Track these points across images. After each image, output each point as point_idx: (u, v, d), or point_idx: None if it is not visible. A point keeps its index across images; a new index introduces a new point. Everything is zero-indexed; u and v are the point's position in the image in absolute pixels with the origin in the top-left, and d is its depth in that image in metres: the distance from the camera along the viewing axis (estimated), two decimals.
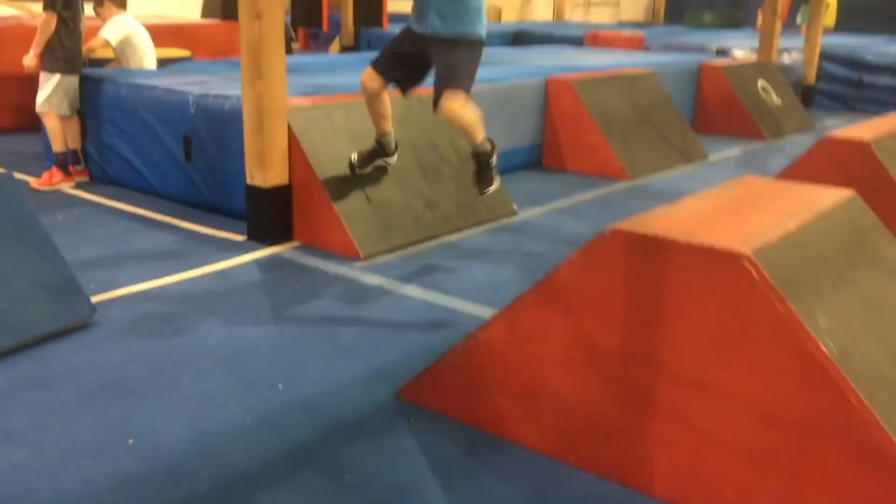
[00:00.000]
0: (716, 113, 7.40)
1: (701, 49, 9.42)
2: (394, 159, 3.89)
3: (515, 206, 4.56)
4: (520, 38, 11.39)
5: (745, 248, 1.79)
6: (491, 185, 3.60)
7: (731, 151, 6.68)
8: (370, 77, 3.57)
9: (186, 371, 2.61)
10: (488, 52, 7.77)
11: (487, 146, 3.51)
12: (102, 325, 2.92)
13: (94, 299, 3.02)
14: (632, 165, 5.60)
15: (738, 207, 2.21)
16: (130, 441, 2.19)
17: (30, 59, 4.66)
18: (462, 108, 3.36)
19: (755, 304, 1.78)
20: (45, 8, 4.61)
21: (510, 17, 16.75)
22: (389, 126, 3.76)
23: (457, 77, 3.38)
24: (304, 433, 2.26)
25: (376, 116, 3.70)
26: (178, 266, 3.56)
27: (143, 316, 3.04)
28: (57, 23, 4.62)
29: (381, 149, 3.82)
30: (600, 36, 10.19)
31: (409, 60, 3.54)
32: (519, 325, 2.18)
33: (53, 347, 2.73)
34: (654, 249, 1.91)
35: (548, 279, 2.12)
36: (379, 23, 10.53)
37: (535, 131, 5.74)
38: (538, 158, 5.83)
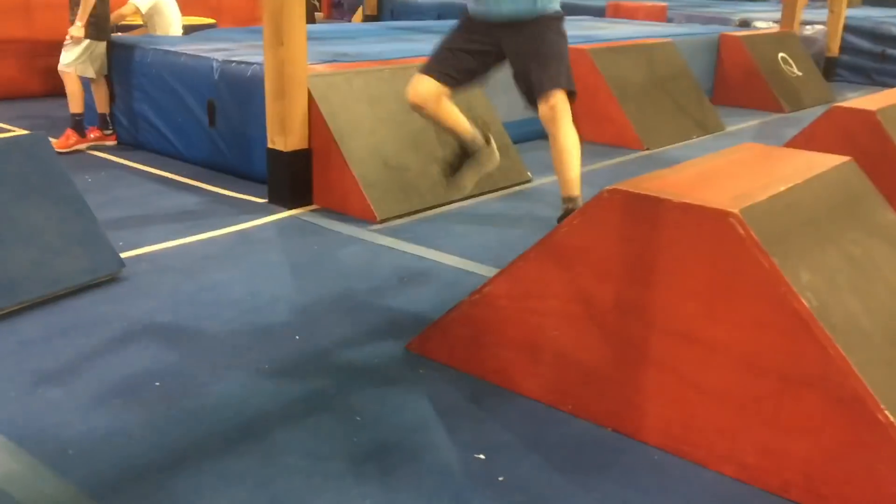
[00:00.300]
0: (735, 84, 7.40)
1: (724, 21, 9.38)
2: (492, 156, 3.16)
3: (530, 174, 4.66)
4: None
5: (733, 207, 1.89)
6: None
7: (749, 122, 6.71)
8: (423, 87, 2.99)
9: (209, 322, 2.76)
10: None
11: (578, 196, 2.90)
12: (130, 279, 3.08)
13: (123, 255, 3.17)
14: (648, 135, 5.66)
15: (734, 171, 2.31)
16: (157, 383, 2.34)
17: (77, 31, 4.77)
18: (567, 120, 2.82)
19: (741, 260, 1.88)
20: None
21: None
22: (467, 126, 3.11)
23: (556, 70, 2.83)
24: (319, 380, 2.41)
25: (447, 129, 3.11)
26: (202, 226, 3.71)
27: (168, 271, 3.19)
28: None
29: (467, 150, 3.15)
30: (622, 6, 10.15)
31: (473, 60, 3.00)
32: (521, 281, 2.30)
33: (85, 298, 2.89)
34: (648, 208, 2.01)
35: (548, 237, 2.24)
36: None
37: None
38: None
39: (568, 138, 2.90)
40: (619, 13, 10.00)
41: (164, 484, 1.91)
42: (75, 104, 4.92)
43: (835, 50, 9.20)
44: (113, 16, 5.06)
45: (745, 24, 9.07)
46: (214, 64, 4.48)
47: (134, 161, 4.78)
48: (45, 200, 3.04)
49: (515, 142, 4.83)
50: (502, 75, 5.40)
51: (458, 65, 3.00)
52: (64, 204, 3.11)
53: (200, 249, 3.45)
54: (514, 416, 2.24)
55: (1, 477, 1.90)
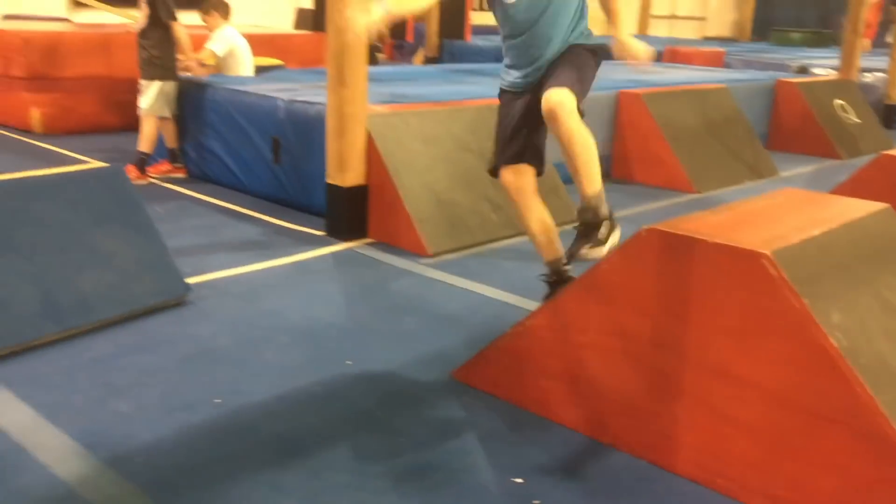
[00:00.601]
0: (791, 130, 7.41)
1: (782, 66, 9.39)
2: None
3: None
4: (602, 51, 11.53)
5: (766, 249, 1.97)
6: (597, 245, 2.67)
7: (804, 168, 6.70)
8: (512, 176, 2.93)
9: (267, 345, 2.92)
10: None
11: (604, 203, 2.68)
12: (195, 303, 3.27)
13: (189, 280, 3.37)
14: (699, 179, 5.72)
15: (770, 214, 2.38)
16: (217, 400, 2.50)
17: (195, 63, 5.19)
18: (571, 115, 2.60)
19: (773, 299, 1.96)
20: (171, 19, 5.06)
21: (595, 31, 16.87)
22: (558, 248, 2.97)
23: (571, 75, 2.69)
24: (366, 403, 2.54)
25: (534, 233, 3.01)
26: (263, 255, 3.90)
27: (230, 297, 3.38)
28: (161, 33, 5.08)
29: (556, 281, 3.01)
30: (679, 51, 10.25)
31: (528, 129, 2.90)
32: (562, 314, 2.41)
33: (153, 320, 3.09)
34: (685, 247, 2.11)
35: (588, 273, 2.34)
36: (461, 35, 10.85)
37: (605, 143, 5.91)
38: (606, 169, 5.99)
39: (573, 134, 2.61)
40: (676, 58, 10.09)
41: (221, 491, 2.05)
42: (145, 144, 5.21)
43: (894, 98, 9.12)
44: (191, 62, 5.35)
45: (803, 70, 9.07)
46: (280, 103, 4.73)
47: (202, 193, 5.04)
48: (120, 227, 3.27)
49: (568, 182, 4.94)
50: None
51: (522, 142, 2.93)
52: (137, 231, 3.33)
53: (261, 277, 3.64)
54: (553, 444, 2.33)
55: (74, 480, 2.07)
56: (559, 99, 2.61)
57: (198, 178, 5.37)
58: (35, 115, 6.56)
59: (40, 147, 6.14)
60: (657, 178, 5.76)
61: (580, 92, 2.69)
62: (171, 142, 5.39)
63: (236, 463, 2.18)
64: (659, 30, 16.92)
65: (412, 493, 2.08)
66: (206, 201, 4.89)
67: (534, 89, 2.85)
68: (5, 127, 6.75)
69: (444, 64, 9.63)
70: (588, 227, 2.68)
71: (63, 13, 10.78)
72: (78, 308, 2.94)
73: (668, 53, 10.31)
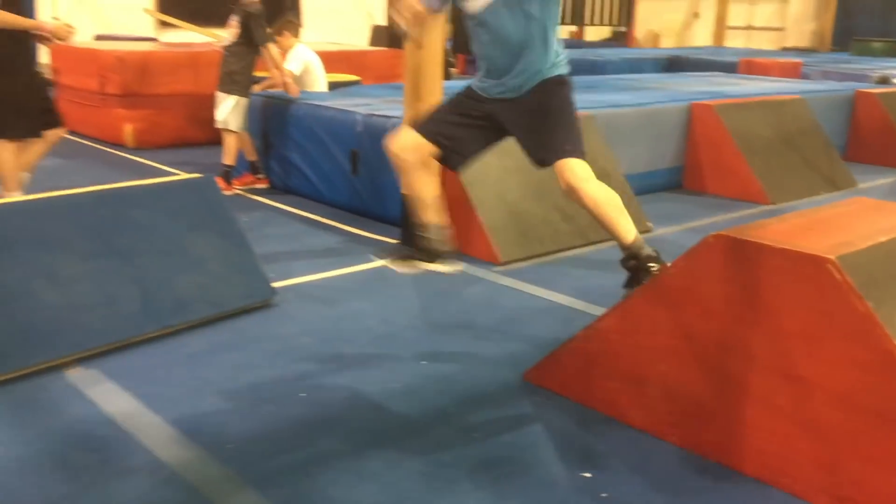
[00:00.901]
0: (871, 141, 7.27)
1: (861, 77, 9.19)
2: (442, 268, 2.82)
3: (650, 224, 4.81)
4: (674, 64, 11.48)
5: (830, 254, 2.03)
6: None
7: (883, 180, 6.57)
8: (408, 141, 2.75)
9: (347, 345, 3.09)
10: (638, 79, 7.99)
11: (643, 247, 2.61)
12: (280, 305, 3.46)
13: (274, 285, 3.57)
14: (774, 190, 5.68)
15: (838, 222, 2.43)
16: (303, 394, 2.67)
17: (290, 82, 5.48)
18: (588, 183, 2.57)
19: (837, 303, 2.01)
20: (265, 42, 5.32)
21: (668, 43, 16.77)
22: (435, 215, 2.82)
23: (569, 137, 2.62)
24: (441, 400, 2.67)
25: (417, 198, 2.82)
26: (342, 262, 4.08)
27: (312, 300, 3.56)
28: (246, 52, 5.34)
29: (424, 248, 2.85)
30: (755, 63, 10.13)
31: (472, 125, 2.76)
32: (630, 317, 2.50)
33: (242, 320, 3.29)
34: (750, 253, 2.17)
35: (657, 278, 2.42)
36: None
37: (677, 154, 5.94)
38: (679, 180, 6.02)
39: (597, 200, 2.60)
40: (752, 70, 9.98)
41: (307, 475, 2.21)
42: (228, 157, 5.47)
43: None
44: (288, 81, 5.58)
45: (884, 81, 8.86)
46: (359, 117, 4.93)
47: (284, 203, 5.28)
48: (211, 234, 3.49)
49: (639, 193, 5.01)
50: (628, 129, 5.58)
51: (454, 125, 2.76)
52: (226, 238, 3.54)
53: (340, 282, 3.82)
54: (621, 443, 2.41)
55: (175, 462, 2.26)
56: (572, 172, 2.58)
57: (280, 189, 5.61)
58: (128, 130, 6.95)
59: (132, 160, 6.51)
60: (731, 190, 5.75)
61: (582, 147, 2.64)
62: (250, 155, 5.64)
63: (321, 451, 2.34)
64: (735, 41, 16.70)
65: (484, 482, 2.19)
66: (288, 211, 5.12)
67: (500, 111, 2.71)
68: (101, 141, 7.16)
69: None
70: (636, 272, 2.61)
71: (150, 33, 11.35)
72: (175, 308, 3.16)
73: (743, 65, 10.20)
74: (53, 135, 4.44)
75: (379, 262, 3.94)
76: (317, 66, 6.25)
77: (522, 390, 2.74)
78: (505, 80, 2.66)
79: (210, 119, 5.71)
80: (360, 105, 5.21)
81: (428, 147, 2.74)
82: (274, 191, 5.61)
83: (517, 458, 2.33)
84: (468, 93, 2.80)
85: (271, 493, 2.13)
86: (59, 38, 4.20)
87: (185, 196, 3.54)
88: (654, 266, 2.56)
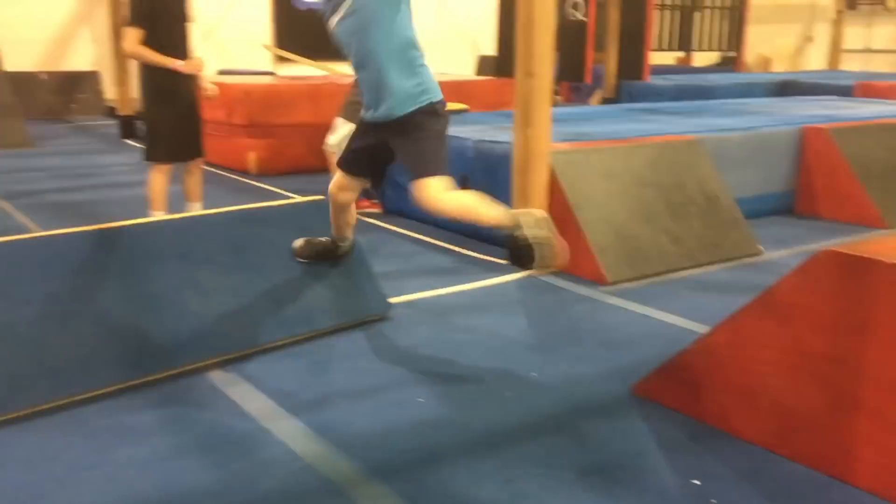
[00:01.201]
0: None
1: None
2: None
3: (761, 247, 4.78)
4: (786, 88, 11.25)
5: None
6: (527, 262, 2.93)
7: None
8: (338, 180, 3.29)
9: (460, 357, 3.25)
10: (748, 103, 7.91)
11: (519, 226, 2.87)
12: (396, 319, 3.66)
13: (389, 300, 3.77)
14: (891, 214, 5.53)
15: None
16: (421, 399, 2.84)
17: None
18: (439, 197, 2.92)
19: None
20: None
21: (780, 68, 16.38)
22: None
23: (425, 162, 2.96)
24: (552, 409, 2.78)
25: (341, 222, 3.42)
26: (453, 281, 4.26)
27: (425, 315, 3.74)
28: None
29: (333, 249, 3.52)
30: (873, 86, 9.83)
31: (371, 150, 3.19)
32: (741, 331, 2.55)
33: (361, 332, 3.50)
34: (861, 268, 2.21)
35: (767, 293, 2.48)
36: (640, 75, 10.97)
37: (789, 178, 5.87)
38: (790, 205, 5.94)
39: (455, 206, 2.96)
40: (870, 93, 9.68)
41: (428, 471, 2.37)
42: None
43: None
44: None
45: None
46: (469, 143, 5.13)
47: (396, 226, 5.52)
48: None
49: (749, 217, 4.99)
50: (737, 153, 5.57)
51: (359, 162, 3.24)
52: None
53: (452, 299, 3.99)
54: (730, 454, 2.47)
55: (308, 456, 2.46)
56: (426, 192, 2.93)
57: (393, 212, 5.86)
58: (252, 158, 7.40)
59: (256, 185, 6.93)
60: (845, 214, 5.63)
61: (438, 167, 2.94)
62: None
63: (439, 451, 2.49)
64: (852, 64, 16.16)
65: (596, 485, 2.29)
66: (400, 233, 5.36)
67: (381, 133, 3.07)
68: (227, 168, 7.64)
69: (621, 104, 9.81)
70: (515, 245, 2.91)
71: (268, 67, 12.00)
72: (301, 318, 3.40)
73: (859, 88, 9.91)
74: (196, 163, 4.85)
75: (489, 281, 4.12)
76: None
77: (631, 403, 2.82)
78: (373, 108, 3.02)
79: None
80: (470, 131, 5.41)
81: (353, 181, 3.27)
82: (387, 214, 5.87)
83: (627, 464, 2.42)
84: (361, 121, 3.19)
85: (396, 485, 2.29)
86: (191, 73, 4.58)
87: (311, 216, 3.80)
88: (529, 241, 2.87)
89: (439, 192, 2.91)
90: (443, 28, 13.94)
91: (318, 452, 2.48)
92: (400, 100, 2.93)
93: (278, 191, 6.64)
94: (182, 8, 4.55)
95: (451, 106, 7.52)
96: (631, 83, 10.89)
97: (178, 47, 4.49)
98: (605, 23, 10.51)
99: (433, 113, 2.98)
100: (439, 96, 3.02)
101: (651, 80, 11.13)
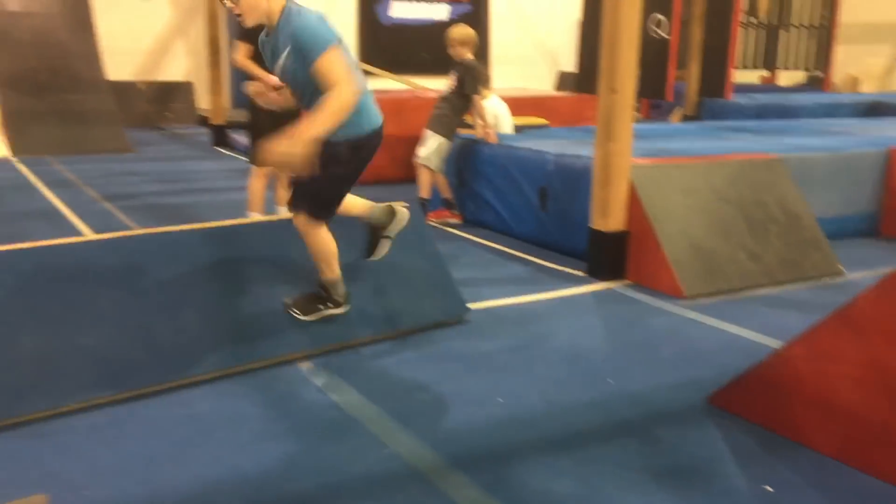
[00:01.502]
0: None
1: None
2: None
3: (842, 268, 4.75)
4: (875, 109, 10.98)
5: None
6: (304, 314, 3.33)
7: None
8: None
9: (537, 362, 3.36)
10: (833, 123, 7.80)
11: (336, 294, 3.34)
12: (473, 323, 3.80)
13: (468, 305, 3.91)
14: None
15: None
16: (500, 399, 2.97)
17: (492, 133, 5.92)
18: (309, 234, 3.19)
19: None
20: (474, 93, 5.78)
21: (869, 88, 15.96)
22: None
23: (309, 195, 3.15)
24: (626, 413, 2.87)
25: (357, 217, 3.55)
26: (530, 290, 4.38)
27: (503, 321, 3.87)
28: (458, 101, 5.81)
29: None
30: None
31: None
32: (817, 345, 2.60)
33: (441, 333, 3.65)
34: None
35: (845, 308, 2.52)
36: (722, 94, 10.88)
37: (874, 199, 5.78)
38: (874, 226, 5.85)
39: (312, 248, 3.25)
40: None
41: (507, 466, 2.49)
42: (424, 191, 5.94)
43: None
44: (489, 132, 6.00)
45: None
46: (549, 157, 5.25)
47: (476, 236, 5.67)
48: (416, 255, 3.90)
49: (832, 237, 4.96)
50: (820, 173, 5.53)
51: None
52: (428, 260, 3.94)
53: (529, 308, 4.11)
54: (804, 465, 2.51)
55: (395, 445, 2.62)
56: (296, 222, 3.19)
57: (473, 223, 6.02)
58: None
59: None
60: None
61: (319, 210, 3.16)
62: (444, 192, 6.08)
63: (518, 448, 2.62)
64: None
65: (669, 485, 2.38)
66: (479, 243, 5.50)
67: None
68: None
69: (701, 122, 9.75)
70: (315, 295, 3.34)
71: None
72: (386, 318, 3.57)
73: None
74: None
75: (566, 291, 4.23)
76: (504, 113, 6.66)
77: (706, 412, 2.89)
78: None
79: (408, 159, 6.22)
80: (550, 146, 5.53)
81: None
82: (466, 224, 6.03)
83: (700, 468, 2.49)
84: None
85: (476, 476, 2.43)
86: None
87: None
88: (325, 308, 3.34)
89: (307, 230, 3.19)
90: (524, 44, 14.11)
91: (403, 442, 2.63)
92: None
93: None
94: None
95: (531, 121, 7.70)
96: (713, 101, 10.80)
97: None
98: (688, 40, 10.48)
99: (340, 147, 3.09)
100: (362, 131, 3.15)
101: (734, 98, 11.02)
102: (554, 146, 5.51)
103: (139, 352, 2.97)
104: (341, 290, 3.37)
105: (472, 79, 5.76)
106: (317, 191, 3.15)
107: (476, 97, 5.81)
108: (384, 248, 3.54)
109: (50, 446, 2.56)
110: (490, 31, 13.76)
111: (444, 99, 5.91)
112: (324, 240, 3.23)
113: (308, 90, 3.05)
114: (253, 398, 2.94)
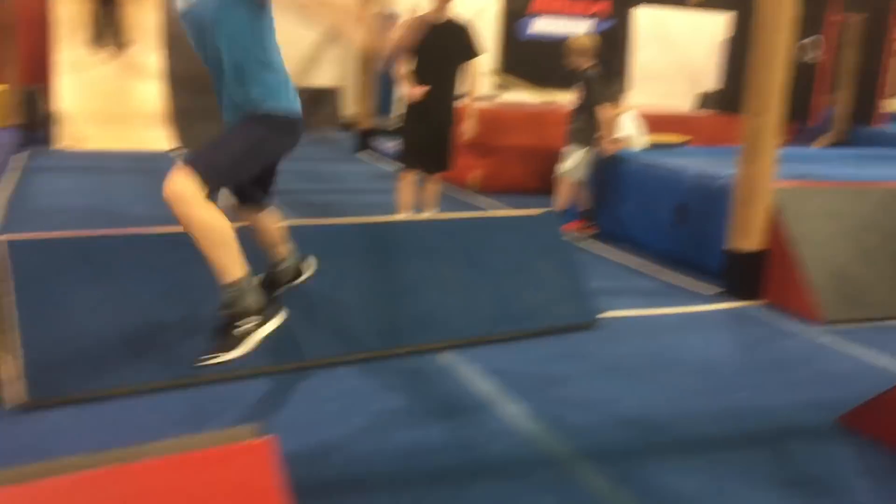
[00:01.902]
0: None
1: None
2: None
3: None
4: None
5: None
6: (229, 350, 2.44)
7: None
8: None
9: (666, 370, 3.46)
10: None
11: (247, 295, 2.43)
12: (603, 329, 3.93)
13: (598, 313, 4.05)
14: None
15: None
16: (629, 401, 3.10)
17: (612, 145, 6.05)
18: (182, 201, 2.30)
19: None
20: (597, 104, 5.90)
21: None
22: (282, 250, 2.89)
23: (204, 153, 2.44)
24: (758, 427, 2.95)
25: (264, 246, 2.88)
26: (662, 303, 4.46)
27: (632, 330, 3.98)
28: (589, 111, 5.95)
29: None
30: None
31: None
32: None
33: (572, 336, 3.80)
34: None
35: None
36: (870, 121, 10.47)
37: None
38: None
39: (197, 222, 2.32)
40: None
41: (636, 461, 2.64)
42: (562, 203, 6.08)
43: None
44: (609, 144, 6.11)
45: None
46: (688, 174, 5.30)
47: (610, 248, 5.77)
48: (552, 259, 4.07)
49: None
50: None
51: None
52: (563, 265, 4.11)
53: (660, 320, 4.20)
54: None
55: (528, 433, 2.81)
56: (172, 181, 2.31)
57: (607, 236, 6.11)
58: (476, 176, 7.94)
59: (477, 201, 7.44)
60: None
61: (210, 172, 2.35)
62: (583, 204, 6.21)
63: (646, 447, 2.75)
64: None
65: (796, 496, 2.45)
66: (613, 254, 5.61)
67: None
68: (449, 184, 8.23)
69: (847, 148, 9.43)
70: (224, 323, 2.44)
71: (489, 92, 12.62)
72: (521, 316, 3.77)
73: None
74: (437, 176, 5.45)
75: (699, 307, 4.29)
76: (638, 128, 6.70)
77: (836, 431, 2.91)
78: (224, 114, 2.57)
79: (545, 171, 6.39)
80: (689, 163, 5.57)
81: (242, 207, 2.84)
82: (601, 237, 6.13)
83: (828, 483, 2.54)
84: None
85: (606, 468, 2.58)
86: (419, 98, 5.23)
87: (535, 227, 4.18)
88: (246, 328, 2.42)
89: (186, 197, 2.30)
90: (665, 61, 13.99)
91: (537, 431, 2.81)
92: (236, 106, 2.51)
93: (495, 207, 7.09)
94: (445, 45, 5.17)
95: (670, 138, 7.71)
96: (862, 129, 10.41)
97: (433, 76, 5.12)
98: (839, 65, 10.15)
99: (262, 120, 2.50)
100: (290, 113, 2.57)
101: (884, 126, 10.57)
102: (694, 164, 5.55)
103: (300, 328, 3.28)
104: (253, 295, 2.46)
105: (592, 90, 5.86)
106: (222, 148, 2.47)
107: (598, 108, 5.89)
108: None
109: (220, 404, 2.90)
110: (632, 48, 13.74)
111: (577, 111, 6.03)
112: (210, 215, 2.34)
113: (227, 44, 2.43)
114: (399, 380, 3.20)
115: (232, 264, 2.39)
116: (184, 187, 2.30)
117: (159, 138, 9.74)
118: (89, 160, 8.56)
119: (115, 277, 3.12)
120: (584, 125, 6.02)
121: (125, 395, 2.89)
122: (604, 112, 5.99)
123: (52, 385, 2.84)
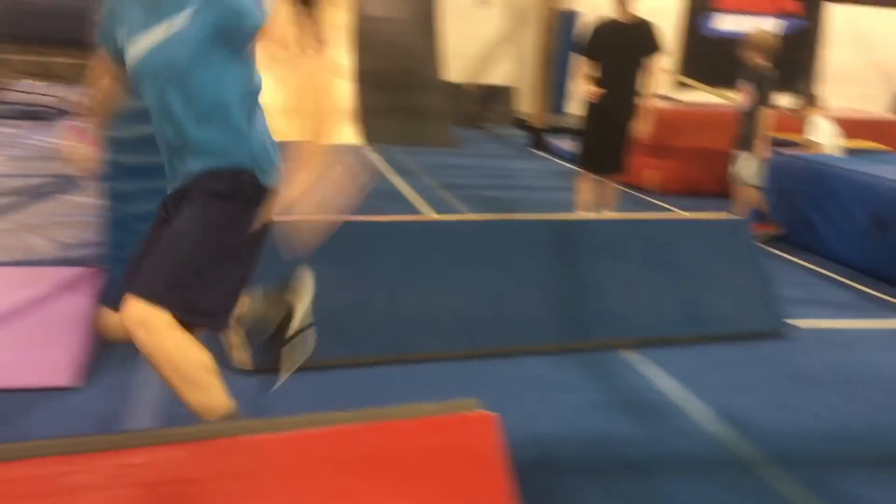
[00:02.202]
0: None
1: None
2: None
3: None
4: None
5: None
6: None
7: None
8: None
9: (857, 383, 3.37)
10: None
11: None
12: (792, 338, 3.84)
13: (786, 321, 3.96)
14: None
15: None
16: (817, 412, 3.05)
17: (763, 149, 5.82)
18: (148, 331, 1.84)
19: None
20: (760, 104, 5.70)
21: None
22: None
23: (166, 269, 1.89)
24: None
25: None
26: (856, 315, 4.30)
27: (822, 341, 3.87)
28: (757, 112, 5.71)
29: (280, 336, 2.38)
30: None
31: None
32: None
33: (758, 343, 3.75)
34: None
35: None
36: None
37: None
38: None
39: (154, 357, 1.88)
40: None
41: (829, 468, 2.63)
42: (739, 208, 5.89)
43: None
44: (761, 148, 5.86)
45: None
46: (886, 182, 5.03)
47: (794, 255, 5.58)
48: (739, 265, 4.02)
49: None
50: None
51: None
52: (751, 270, 4.05)
53: (854, 333, 4.05)
54: None
55: (716, 434, 2.83)
56: (130, 316, 1.85)
57: (794, 243, 5.88)
58: (653, 176, 7.87)
59: (654, 202, 7.38)
60: None
61: (178, 294, 1.87)
62: (760, 206, 5.99)
63: (841, 456, 2.73)
64: None
65: None
66: (800, 262, 5.42)
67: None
68: (626, 184, 8.20)
69: None
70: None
71: (667, 92, 12.38)
72: (705, 320, 3.77)
73: None
74: (613, 176, 5.50)
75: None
76: (829, 133, 6.38)
77: None
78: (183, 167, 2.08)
79: (722, 173, 6.23)
80: (887, 171, 5.28)
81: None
82: (788, 243, 5.91)
83: None
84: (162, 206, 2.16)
85: (798, 474, 2.57)
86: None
87: (725, 231, 4.15)
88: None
89: (152, 327, 1.85)
90: (860, 63, 13.17)
91: (724, 432, 2.84)
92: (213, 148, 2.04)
93: (673, 209, 7.01)
94: (627, 44, 5.19)
95: (868, 145, 7.29)
96: None
97: (615, 76, 5.16)
98: None
99: (232, 197, 2.00)
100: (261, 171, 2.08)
101: None
102: (892, 172, 5.26)
103: (491, 317, 3.46)
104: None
105: (762, 88, 5.61)
106: (184, 251, 1.92)
107: (763, 109, 5.62)
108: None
109: (413, 381, 3.11)
110: (825, 48, 13.05)
111: (744, 113, 5.81)
112: (171, 343, 1.87)
113: (196, 81, 1.96)
114: (583, 372, 3.30)
115: (209, 402, 1.95)
116: (139, 315, 1.86)
117: (348, 133, 10.31)
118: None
119: (347, 258, 3.32)
120: (753, 127, 5.79)
121: (342, 367, 3.14)
122: (765, 115, 5.71)
123: None
